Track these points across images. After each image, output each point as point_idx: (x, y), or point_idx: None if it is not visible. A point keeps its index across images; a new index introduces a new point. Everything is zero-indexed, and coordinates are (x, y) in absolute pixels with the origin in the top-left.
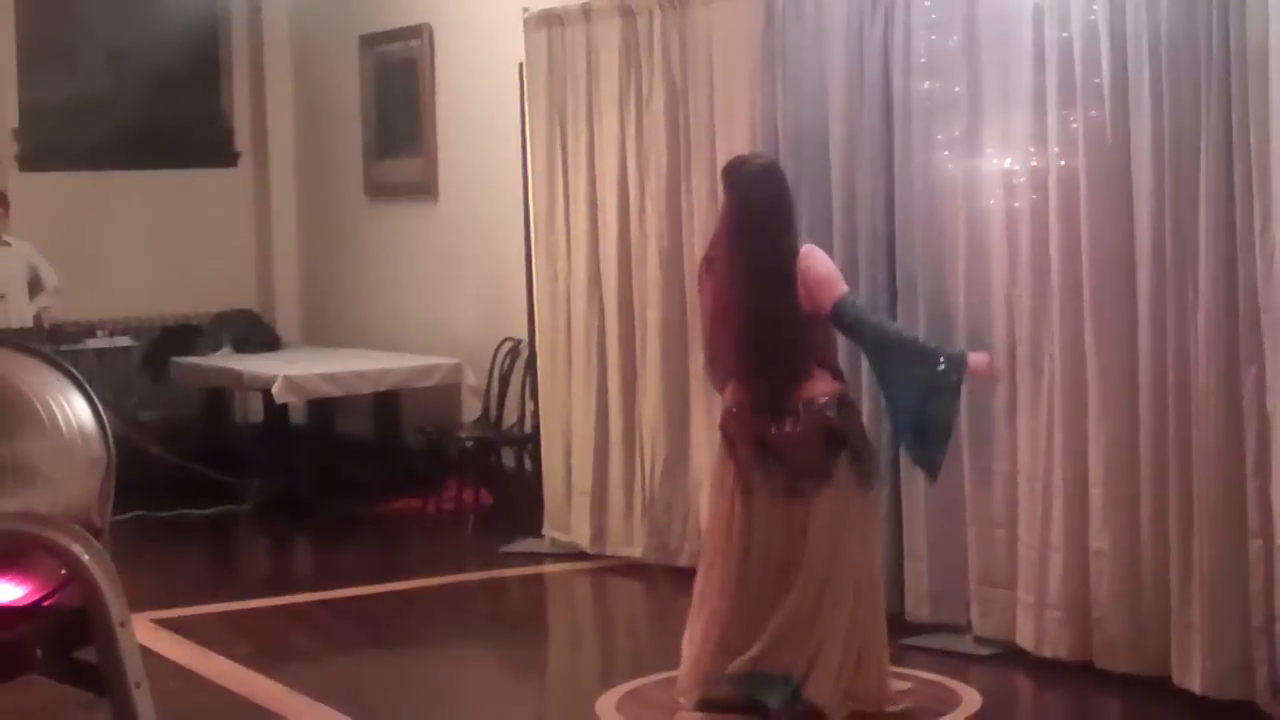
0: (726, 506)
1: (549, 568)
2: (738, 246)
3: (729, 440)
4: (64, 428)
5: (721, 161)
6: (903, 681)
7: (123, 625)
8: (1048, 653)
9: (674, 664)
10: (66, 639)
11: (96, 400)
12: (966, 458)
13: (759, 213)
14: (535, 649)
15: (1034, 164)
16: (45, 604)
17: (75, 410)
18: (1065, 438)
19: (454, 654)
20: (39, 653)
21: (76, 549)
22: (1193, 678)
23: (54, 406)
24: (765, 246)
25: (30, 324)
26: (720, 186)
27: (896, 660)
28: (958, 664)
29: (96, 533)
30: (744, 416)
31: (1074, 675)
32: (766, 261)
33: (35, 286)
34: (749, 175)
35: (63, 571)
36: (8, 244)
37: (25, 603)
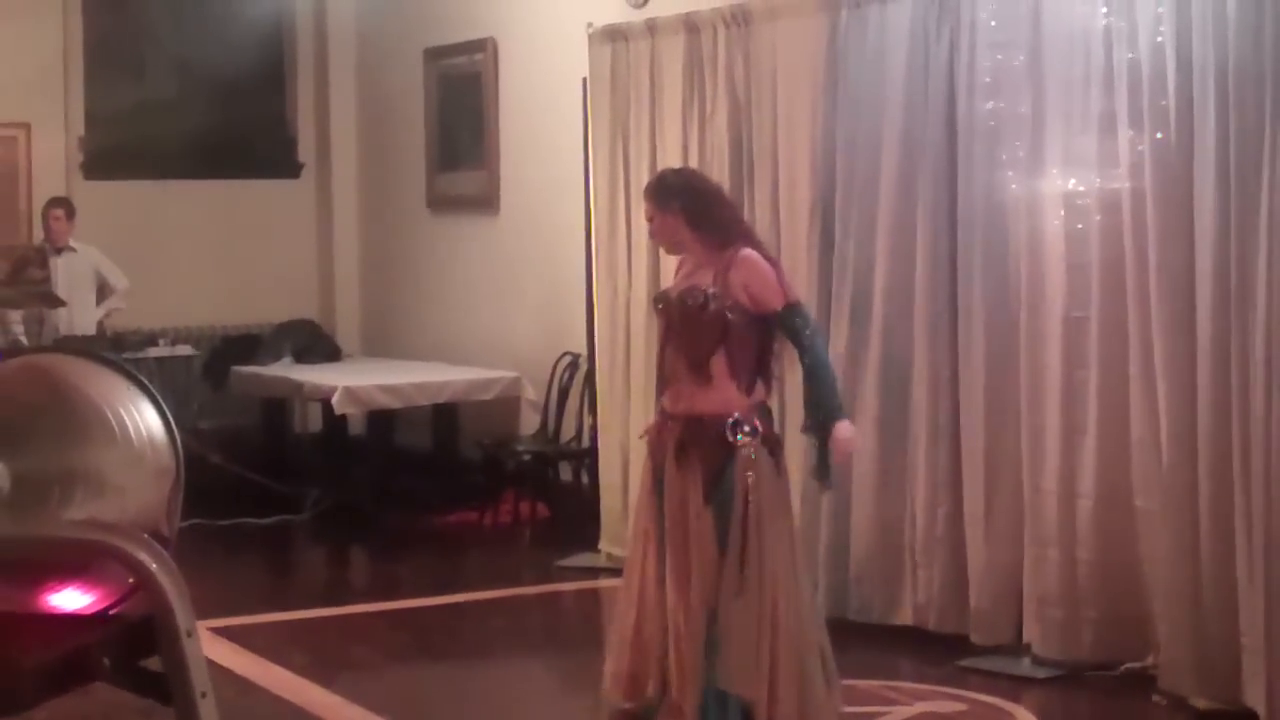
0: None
1: (604, 582)
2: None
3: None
4: (134, 437)
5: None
6: (958, 703)
7: (189, 635)
8: (1104, 672)
9: None
10: (133, 648)
11: (167, 410)
12: (1026, 478)
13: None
14: (590, 663)
15: (1098, 185)
16: (112, 612)
17: (145, 420)
18: (1125, 460)
19: (509, 667)
20: (106, 661)
21: (145, 558)
22: (1257, 699)
23: (124, 416)
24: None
25: (94, 330)
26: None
27: (956, 682)
28: (1014, 686)
29: (165, 542)
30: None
31: (1132, 696)
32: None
33: (103, 292)
34: (690, 179)
35: (130, 580)
36: (74, 250)
37: (93, 611)
